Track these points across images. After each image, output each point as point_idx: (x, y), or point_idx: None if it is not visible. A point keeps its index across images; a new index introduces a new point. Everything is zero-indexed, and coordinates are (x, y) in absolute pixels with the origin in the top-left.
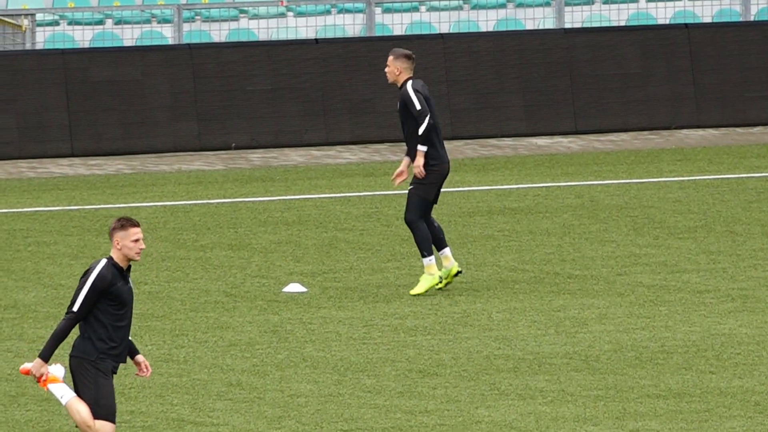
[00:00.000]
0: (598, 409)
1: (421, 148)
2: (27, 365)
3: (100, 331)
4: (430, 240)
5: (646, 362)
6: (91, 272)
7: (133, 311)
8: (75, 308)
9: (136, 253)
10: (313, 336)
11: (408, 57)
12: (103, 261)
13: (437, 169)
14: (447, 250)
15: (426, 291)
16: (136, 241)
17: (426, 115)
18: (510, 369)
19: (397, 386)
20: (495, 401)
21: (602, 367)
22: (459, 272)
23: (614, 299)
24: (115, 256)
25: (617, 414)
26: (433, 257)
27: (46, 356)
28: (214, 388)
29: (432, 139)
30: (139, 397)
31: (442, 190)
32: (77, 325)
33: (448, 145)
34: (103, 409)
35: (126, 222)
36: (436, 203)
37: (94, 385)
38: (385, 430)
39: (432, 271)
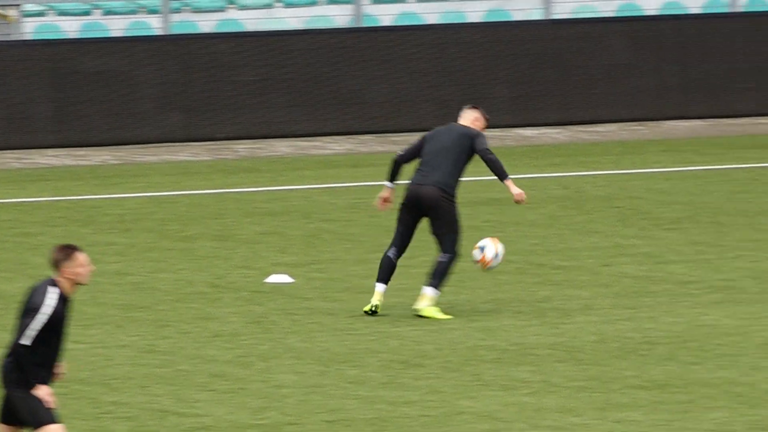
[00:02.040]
0: (581, 400)
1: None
2: None
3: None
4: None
5: (630, 353)
6: (41, 305)
7: (113, 304)
8: (28, 342)
9: (88, 277)
10: (297, 327)
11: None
12: (53, 293)
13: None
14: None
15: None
16: (85, 265)
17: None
18: (493, 360)
19: (380, 377)
20: (478, 392)
21: (586, 358)
22: (374, 311)
23: (599, 290)
24: (64, 284)
25: (600, 405)
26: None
27: None
28: (198, 379)
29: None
30: (123, 387)
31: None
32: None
33: None
34: (47, 415)
35: (70, 250)
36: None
37: (29, 398)
38: (368, 420)
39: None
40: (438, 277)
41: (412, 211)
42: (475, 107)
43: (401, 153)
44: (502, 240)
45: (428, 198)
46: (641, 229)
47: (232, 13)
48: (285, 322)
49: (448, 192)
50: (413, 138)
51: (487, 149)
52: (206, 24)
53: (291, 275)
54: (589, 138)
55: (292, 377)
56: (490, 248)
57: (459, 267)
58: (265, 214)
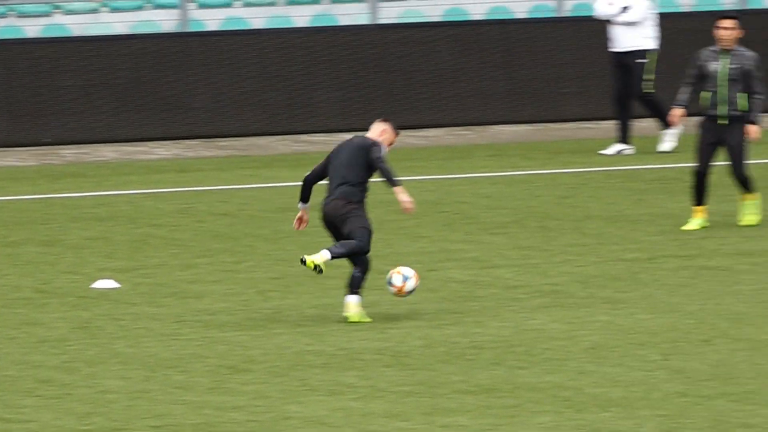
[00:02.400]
0: (408, 405)
1: None
2: None
3: None
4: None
5: (457, 358)
6: None
7: None
8: None
9: None
10: (123, 332)
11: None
12: None
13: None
14: None
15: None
16: None
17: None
18: (320, 365)
19: (207, 382)
20: (305, 397)
21: (413, 363)
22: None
23: (426, 295)
24: None
25: (427, 409)
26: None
27: None
28: (24, 385)
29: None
30: None
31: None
32: None
33: (262, 141)
34: None
35: None
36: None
37: None
38: (195, 426)
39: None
40: (356, 285)
41: (329, 228)
42: (384, 120)
43: (309, 173)
44: (326, 244)
45: (333, 212)
46: (468, 233)
47: (58, 18)
48: (111, 327)
49: (353, 201)
50: (239, 143)
51: (380, 158)
52: (32, 29)
53: (117, 280)
54: (416, 143)
55: (119, 382)
56: (411, 282)
57: (285, 272)
58: (91, 219)
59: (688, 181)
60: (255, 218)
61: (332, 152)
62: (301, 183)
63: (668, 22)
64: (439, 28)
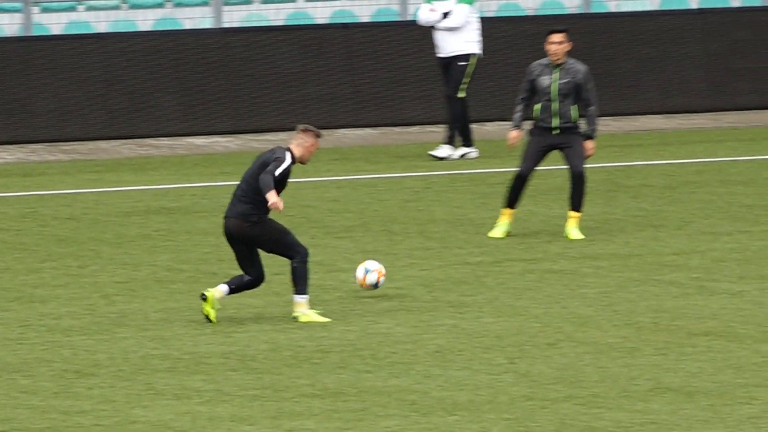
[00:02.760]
0: (254, 409)
1: None
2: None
3: None
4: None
5: (303, 361)
6: None
7: None
8: None
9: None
10: None
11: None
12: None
13: None
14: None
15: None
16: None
17: None
18: (166, 369)
19: (52, 386)
20: (151, 401)
21: (259, 367)
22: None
23: (271, 299)
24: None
25: (273, 413)
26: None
27: None
28: None
29: None
30: None
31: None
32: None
33: (106, 145)
34: None
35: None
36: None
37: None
38: (40, 430)
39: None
40: (299, 283)
41: (230, 243)
42: (304, 129)
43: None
44: (171, 248)
45: (234, 231)
46: (312, 237)
47: None
48: None
49: (250, 219)
50: (83, 147)
51: (270, 169)
52: None
53: None
54: (261, 147)
55: None
56: (372, 276)
57: (129, 276)
58: None
59: (531, 186)
60: (99, 222)
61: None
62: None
63: (511, 25)
64: (283, 32)
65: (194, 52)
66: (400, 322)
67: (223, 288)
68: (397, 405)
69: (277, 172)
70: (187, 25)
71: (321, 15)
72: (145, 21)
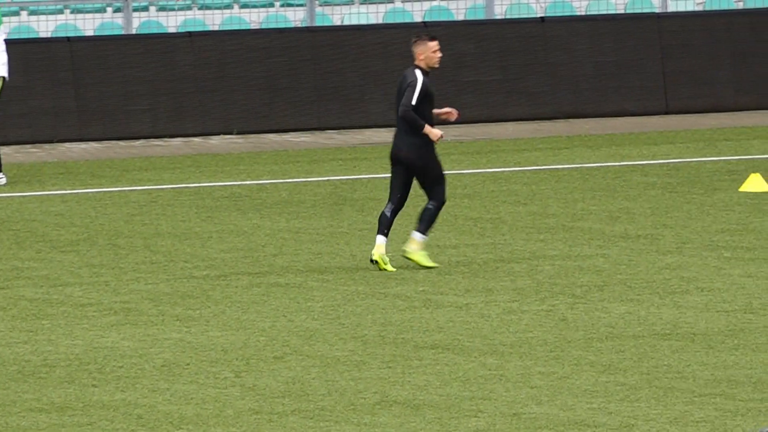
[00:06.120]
0: None
1: None
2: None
3: None
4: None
5: (29, 376)
6: None
7: None
8: None
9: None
10: None
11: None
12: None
13: None
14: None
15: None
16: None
17: None
18: None
19: None
20: None
21: None
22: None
23: None
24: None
25: (1, 429)
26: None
27: None
28: None
29: None
30: None
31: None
32: None
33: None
34: None
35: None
36: None
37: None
38: None
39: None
40: (424, 222)
41: (393, 165)
42: (415, 41)
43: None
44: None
45: (402, 158)
46: (38, 251)
47: None
48: None
49: (417, 148)
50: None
51: (405, 102)
52: None
53: None
54: None
55: None
56: None
57: None
58: None
59: (258, 198)
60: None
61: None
62: None
63: (237, 39)
64: (9, 45)
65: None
66: (126, 336)
67: (381, 240)
68: (123, 419)
69: (413, 100)
70: None
71: (44, 29)
72: None
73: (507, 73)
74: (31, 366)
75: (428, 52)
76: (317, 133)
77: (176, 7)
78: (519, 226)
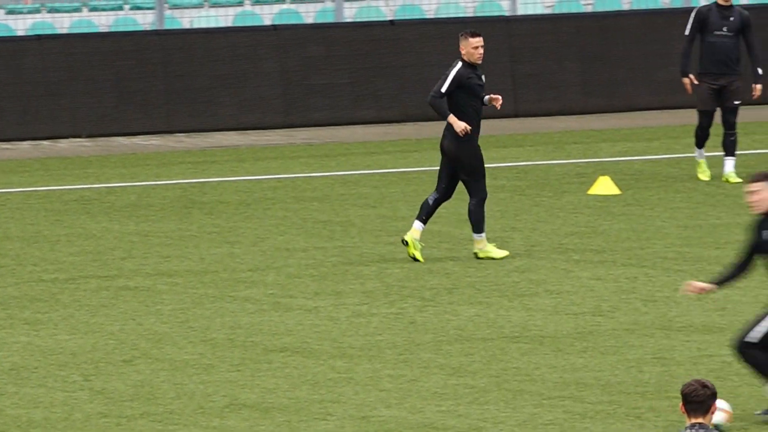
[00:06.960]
0: None
1: None
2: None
3: None
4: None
5: None
6: None
7: None
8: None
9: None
10: None
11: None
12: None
13: None
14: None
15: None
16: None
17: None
18: None
19: None
20: None
21: None
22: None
23: None
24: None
25: None
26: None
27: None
28: None
29: None
30: None
31: None
32: None
33: None
34: None
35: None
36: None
37: None
38: None
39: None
40: (476, 223)
41: (443, 155)
42: (460, 36)
43: None
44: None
45: (446, 149)
46: None
47: None
48: None
49: (460, 139)
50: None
51: (434, 92)
52: None
53: None
54: None
55: None
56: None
57: None
58: None
59: (107, 201)
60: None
61: None
62: None
63: (86, 42)
64: None
65: None
66: None
67: (418, 225)
68: None
69: (443, 88)
70: None
71: None
72: None
73: (356, 77)
74: None
75: (468, 47)
76: (166, 136)
77: (25, 10)
78: (368, 229)
